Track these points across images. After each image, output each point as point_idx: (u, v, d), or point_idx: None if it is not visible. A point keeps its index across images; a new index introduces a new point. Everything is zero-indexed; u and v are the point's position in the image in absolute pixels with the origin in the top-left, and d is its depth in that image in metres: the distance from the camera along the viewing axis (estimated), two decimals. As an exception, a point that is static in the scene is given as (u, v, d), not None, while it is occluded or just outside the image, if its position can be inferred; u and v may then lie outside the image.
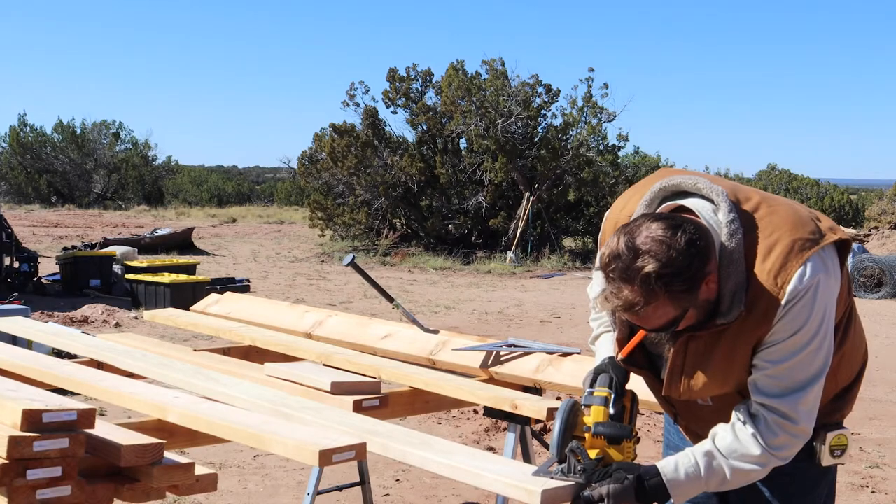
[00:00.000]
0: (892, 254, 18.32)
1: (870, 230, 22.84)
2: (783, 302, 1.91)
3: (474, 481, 2.00)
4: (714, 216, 1.95)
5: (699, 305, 1.91)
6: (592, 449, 1.96)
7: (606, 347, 2.23)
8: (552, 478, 1.93)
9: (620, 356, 2.07)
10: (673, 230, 1.84)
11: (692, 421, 2.21)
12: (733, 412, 2.03)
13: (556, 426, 1.95)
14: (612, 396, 2.01)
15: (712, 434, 2.03)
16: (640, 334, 2.00)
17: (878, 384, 8.38)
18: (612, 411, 2.00)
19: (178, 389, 2.62)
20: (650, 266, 1.82)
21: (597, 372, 2.10)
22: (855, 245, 16.86)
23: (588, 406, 2.01)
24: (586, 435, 1.97)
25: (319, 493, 3.55)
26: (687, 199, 2.01)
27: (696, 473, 1.97)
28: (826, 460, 2.12)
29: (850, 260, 16.38)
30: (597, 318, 2.34)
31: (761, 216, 1.98)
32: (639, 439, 2.04)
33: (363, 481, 3.81)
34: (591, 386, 2.05)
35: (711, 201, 1.97)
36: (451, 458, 2.06)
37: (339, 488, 3.96)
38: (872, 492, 5.15)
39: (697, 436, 2.15)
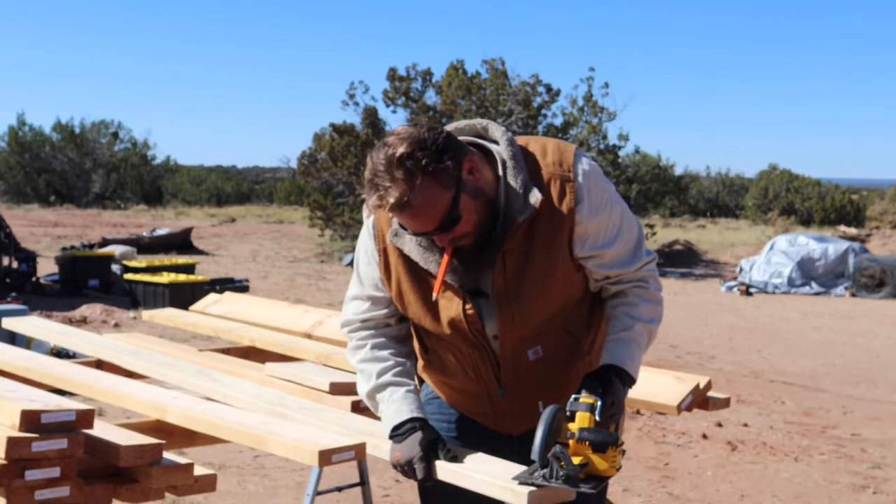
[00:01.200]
0: (893, 253, 18.33)
1: (871, 230, 22.87)
2: (575, 180, 2.01)
3: (463, 482, 1.98)
4: (492, 145, 2.06)
5: (474, 192, 1.95)
6: (576, 455, 1.91)
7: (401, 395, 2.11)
8: (533, 483, 1.89)
9: (434, 294, 2.02)
10: (415, 125, 1.94)
11: (521, 383, 2.14)
12: (618, 308, 2.11)
13: (539, 431, 1.89)
14: (599, 404, 1.95)
15: (631, 318, 2.10)
16: (446, 258, 1.99)
17: (879, 385, 8.37)
18: (598, 418, 1.95)
19: (179, 389, 2.61)
20: (401, 148, 1.88)
21: (585, 379, 2.04)
22: (856, 245, 16.87)
23: (573, 412, 1.96)
24: (570, 441, 1.92)
25: (319, 493, 3.54)
26: None
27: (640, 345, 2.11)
28: None
29: (850, 259, 16.37)
30: (362, 323, 2.19)
31: (527, 141, 2.09)
32: (624, 451, 2.00)
33: (363, 482, 3.80)
34: (577, 392, 1.99)
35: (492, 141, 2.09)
36: (447, 463, 2.04)
37: (339, 489, 3.95)
38: (874, 492, 5.14)
39: (522, 406, 2.12)
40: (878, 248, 19.78)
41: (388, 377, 2.12)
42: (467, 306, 2.05)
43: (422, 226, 1.93)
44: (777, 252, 16.62)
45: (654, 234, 21.90)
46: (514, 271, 2.02)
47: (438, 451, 2.02)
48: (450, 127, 2.08)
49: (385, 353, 2.16)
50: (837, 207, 34.00)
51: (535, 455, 1.90)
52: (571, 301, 2.11)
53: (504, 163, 2.02)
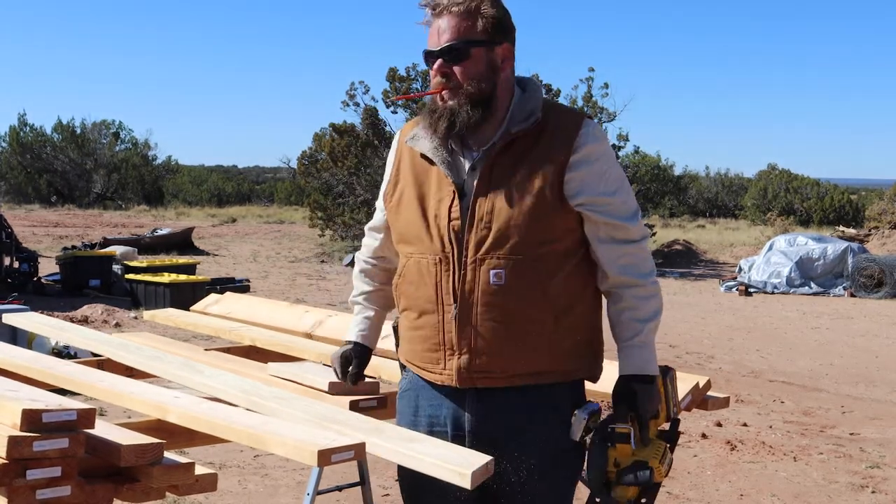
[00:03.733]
0: (892, 254, 18.32)
1: (870, 230, 22.85)
2: (583, 126, 2.15)
3: (411, 464, 2.04)
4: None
5: (490, 65, 2.15)
6: (626, 490, 2.07)
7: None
8: None
9: (397, 97, 2.28)
10: None
11: (474, 306, 2.13)
12: (623, 315, 2.18)
13: (592, 479, 2.07)
14: (632, 431, 2.06)
15: (631, 309, 2.18)
16: (435, 75, 2.21)
17: (878, 384, 8.38)
18: (634, 447, 2.06)
19: (170, 382, 2.64)
20: None
21: (613, 400, 2.17)
22: (855, 245, 16.87)
23: (612, 445, 2.08)
24: (614, 472, 2.07)
25: (319, 493, 3.55)
26: None
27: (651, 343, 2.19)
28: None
29: (849, 259, 16.39)
30: (366, 247, 2.49)
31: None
32: (671, 453, 2.12)
33: (363, 481, 3.81)
34: (613, 422, 2.10)
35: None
36: (396, 444, 2.10)
37: (339, 488, 3.96)
38: (873, 492, 5.15)
39: (469, 341, 2.13)
40: (876, 248, 19.78)
41: (359, 298, 2.51)
42: (454, 204, 2.16)
43: (438, 38, 2.16)
44: (776, 252, 16.62)
45: (653, 234, 21.89)
46: (497, 181, 2.14)
47: (349, 367, 2.45)
48: None
49: (369, 277, 2.49)
50: (836, 207, 34.02)
51: (595, 493, 2.07)
52: (548, 241, 2.12)
53: (526, 87, 2.23)
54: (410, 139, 2.28)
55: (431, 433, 2.21)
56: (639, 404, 2.12)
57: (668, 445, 2.12)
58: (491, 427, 2.17)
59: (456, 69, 2.16)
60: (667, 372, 2.20)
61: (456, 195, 2.16)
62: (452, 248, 2.15)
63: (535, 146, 2.15)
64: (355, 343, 2.49)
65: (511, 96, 2.21)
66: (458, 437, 2.19)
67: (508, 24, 2.21)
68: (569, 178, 2.12)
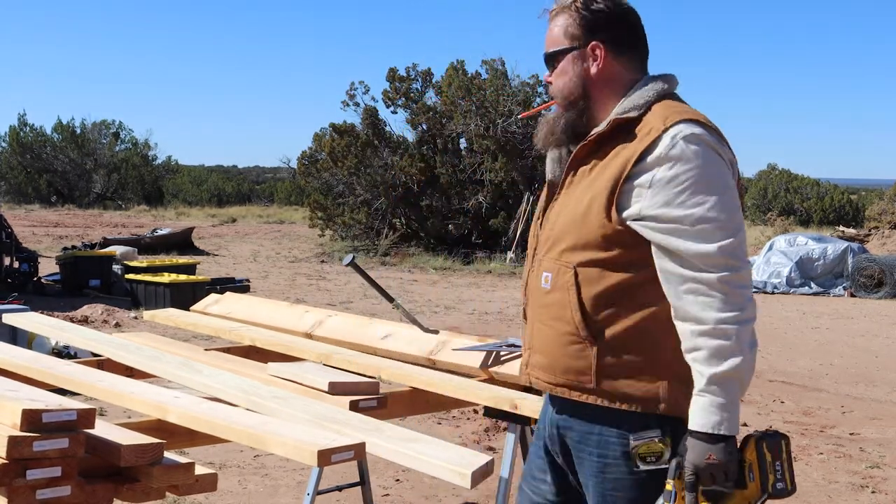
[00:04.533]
0: (892, 254, 18.32)
1: (870, 230, 22.86)
2: (663, 133, 1.94)
3: (411, 464, 2.06)
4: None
5: (579, 68, 2.09)
6: None
7: None
8: None
9: (521, 115, 2.22)
10: None
11: (531, 307, 2.16)
12: (688, 356, 1.91)
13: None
14: (675, 489, 1.88)
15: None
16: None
17: (878, 384, 8.38)
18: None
19: (170, 382, 2.65)
20: None
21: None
22: (855, 245, 16.88)
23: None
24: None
25: (319, 493, 3.56)
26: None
27: (718, 401, 1.89)
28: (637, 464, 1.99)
29: (849, 259, 16.33)
30: None
31: (675, 106, 2.07)
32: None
33: (363, 481, 3.81)
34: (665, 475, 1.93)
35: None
36: (396, 444, 2.11)
37: (339, 488, 3.96)
38: (873, 492, 5.15)
39: (536, 328, 2.12)
40: (876, 248, 19.78)
41: None
42: (547, 203, 2.17)
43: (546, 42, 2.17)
44: (776, 252, 16.62)
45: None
46: (572, 184, 2.09)
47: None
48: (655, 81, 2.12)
49: None
50: (836, 207, 34.00)
51: None
52: (589, 249, 2.00)
53: (642, 85, 2.08)
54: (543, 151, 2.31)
55: (540, 429, 2.25)
56: (687, 461, 1.89)
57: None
58: (554, 431, 2.16)
59: (550, 79, 2.16)
60: (764, 438, 1.94)
61: (550, 193, 2.18)
62: (534, 245, 2.18)
63: (612, 150, 2.01)
64: None
65: (619, 96, 2.08)
66: (543, 435, 2.22)
67: (601, 19, 2.08)
68: (626, 188, 1.96)
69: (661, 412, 1.97)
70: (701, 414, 1.89)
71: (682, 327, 1.92)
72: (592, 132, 2.05)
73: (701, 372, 1.89)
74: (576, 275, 2.01)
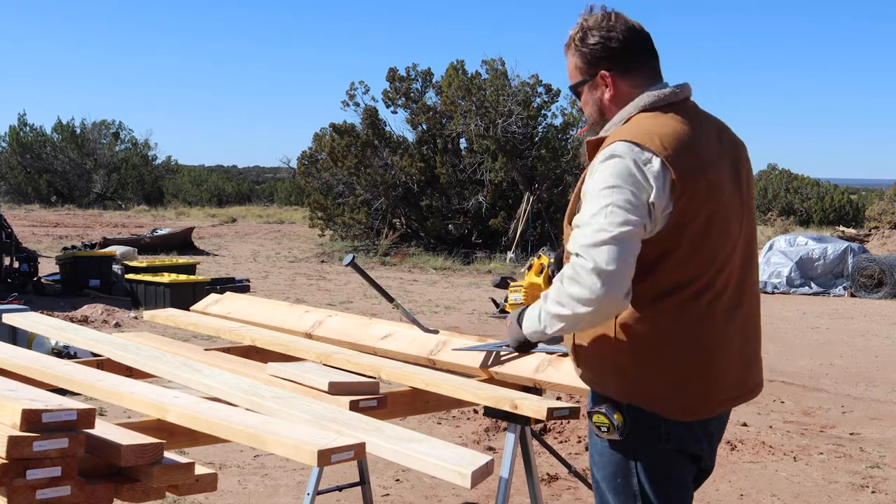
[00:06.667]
0: (892, 254, 18.32)
1: (870, 230, 22.85)
2: (603, 149, 2.18)
3: (411, 464, 2.08)
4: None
5: (595, 96, 2.29)
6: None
7: None
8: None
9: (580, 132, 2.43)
10: (610, 15, 2.29)
11: None
12: None
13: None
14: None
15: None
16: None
17: (878, 384, 8.38)
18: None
19: (170, 382, 2.65)
20: (576, 28, 2.32)
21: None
22: (855, 245, 16.87)
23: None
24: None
25: (319, 493, 3.56)
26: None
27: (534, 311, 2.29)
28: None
29: (849, 259, 16.32)
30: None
31: (646, 119, 2.24)
32: None
33: (363, 481, 3.81)
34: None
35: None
36: (396, 444, 2.11)
37: (339, 488, 3.96)
38: (873, 492, 5.15)
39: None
40: (876, 248, 19.78)
41: None
42: None
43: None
44: (776, 252, 16.62)
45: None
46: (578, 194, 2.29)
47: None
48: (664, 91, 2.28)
49: None
50: (836, 207, 34.01)
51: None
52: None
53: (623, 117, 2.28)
54: None
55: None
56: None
57: None
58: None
59: (580, 108, 2.40)
60: None
61: None
62: None
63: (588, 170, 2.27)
64: None
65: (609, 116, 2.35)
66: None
67: (598, 52, 2.27)
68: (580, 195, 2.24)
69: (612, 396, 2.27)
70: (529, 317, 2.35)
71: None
72: (581, 160, 2.32)
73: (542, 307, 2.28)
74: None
